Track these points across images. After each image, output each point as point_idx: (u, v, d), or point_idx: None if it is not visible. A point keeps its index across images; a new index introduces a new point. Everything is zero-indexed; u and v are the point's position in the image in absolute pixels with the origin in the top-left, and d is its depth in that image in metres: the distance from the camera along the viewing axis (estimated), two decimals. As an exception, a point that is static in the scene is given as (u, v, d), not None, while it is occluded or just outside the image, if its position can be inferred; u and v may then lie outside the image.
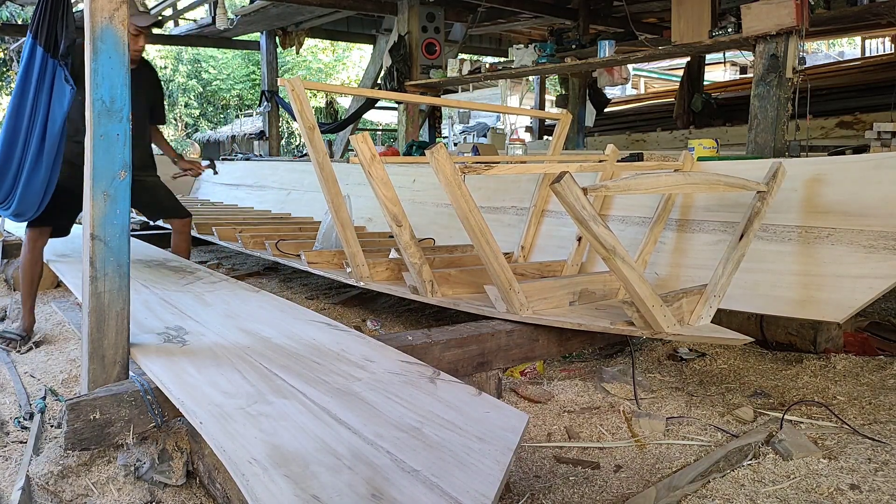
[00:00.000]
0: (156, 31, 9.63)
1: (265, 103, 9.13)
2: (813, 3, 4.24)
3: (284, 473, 1.39)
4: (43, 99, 2.67)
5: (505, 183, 3.95)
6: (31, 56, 2.64)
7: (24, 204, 2.86)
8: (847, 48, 16.48)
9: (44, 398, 2.45)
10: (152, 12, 8.35)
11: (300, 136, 15.96)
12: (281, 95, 8.90)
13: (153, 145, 3.84)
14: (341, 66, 20.19)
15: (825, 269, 2.45)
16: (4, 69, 13.23)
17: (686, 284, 2.72)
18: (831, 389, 2.62)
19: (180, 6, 8.44)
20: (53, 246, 3.38)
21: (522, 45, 6.02)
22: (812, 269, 2.47)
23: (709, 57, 8.39)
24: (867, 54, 11.42)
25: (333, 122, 9.28)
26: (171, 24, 9.57)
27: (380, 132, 13.42)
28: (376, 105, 10.77)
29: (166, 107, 4.04)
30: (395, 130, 8.67)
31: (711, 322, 2.46)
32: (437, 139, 7.35)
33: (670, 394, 2.64)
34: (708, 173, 2.73)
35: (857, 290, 2.36)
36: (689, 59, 7.62)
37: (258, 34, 9.17)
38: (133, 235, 3.01)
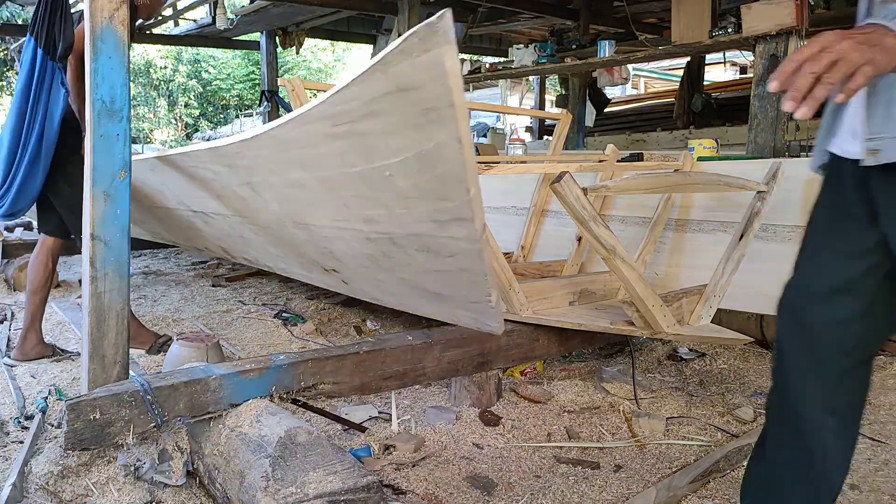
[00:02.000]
0: (156, 31, 9.65)
1: (265, 103, 9.13)
2: (813, 3, 4.25)
3: None
4: (42, 100, 2.67)
5: (505, 183, 3.95)
6: (33, 56, 2.64)
7: (19, 203, 2.86)
8: (847, 48, 16.44)
9: (45, 398, 2.45)
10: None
11: (300, 136, 15.92)
12: (281, 95, 8.90)
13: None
14: (341, 66, 20.19)
15: (825, 269, 2.44)
16: (4, 69, 13.24)
17: (686, 284, 2.72)
18: (831, 389, 2.62)
19: (180, 6, 8.43)
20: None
21: (522, 45, 6.02)
22: (812, 269, 2.47)
23: (709, 57, 8.38)
24: (867, 54, 11.40)
25: (333, 122, 9.28)
26: (171, 23, 9.57)
27: (380, 132, 13.41)
28: (376, 105, 10.76)
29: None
30: (395, 130, 8.65)
31: (711, 322, 2.46)
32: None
33: (670, 394, 2.64)
34: (708, 173, 2.73)
35: (857, 290, 2.36)
36: (689, 59, 7.62)
37: (258, 34, 9.17)
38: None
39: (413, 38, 0.99)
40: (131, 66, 2.00)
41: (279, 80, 2.97)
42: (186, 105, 20.06)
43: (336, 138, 1.42)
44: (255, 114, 16.66)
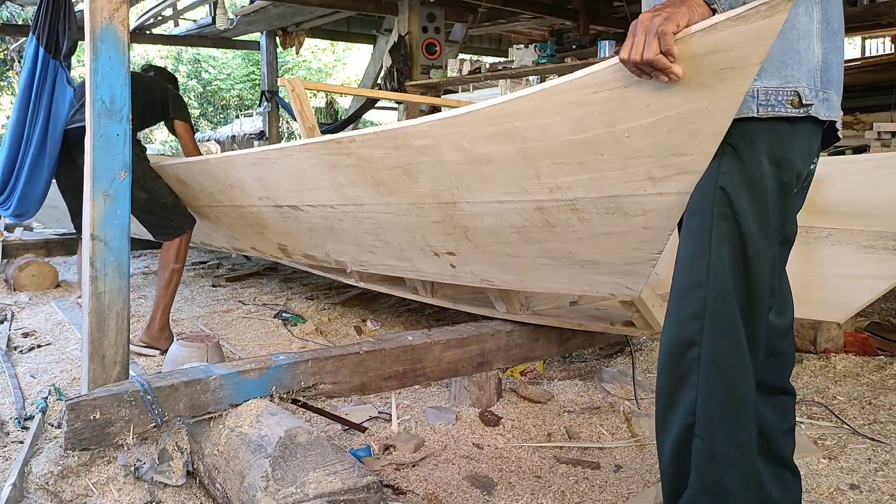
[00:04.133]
0: (156, 31, 9.65)
1: (265, 103, 9.13)
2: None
3: None
4: (44, 99, 2.67)
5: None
6: (34, 56, 2.65)
7: (24, 204, 2.87)
8: (847, 48, 16.48)
9: (45, 398, 2.45)
10: (151, 12, 8.37)
11: (300, 136, 15.93)
12: (281, 95, 8.90)
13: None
14: (341, 66, 20.19)
15: (825, 269, 2.45)
16: (4, 69, 13.23)
17: (686, 284, 2.71)
18: (831, 389, 2.62)
19: (180, 6, 8.44)
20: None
21: (522, 46, 6.02)
22: (812, 269, 2.47)
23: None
24: (867, 54, 11.42)
25: (333, 122, 9.29)
26: (171, 24, 9.57)
27: (380, 132, 13.40)
28: (376, 105, 10.79)
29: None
30: (395, 130, 8.65)
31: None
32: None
33: (670, 394, 2.64)
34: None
35: (857, 290, 2.36)
36: (689, 59, 7.60)
37: (258, 34, 9.17)
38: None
39: (759, 7, 1.11)
40: (131, 65, 2.00)
41: (279, 80, 2.97)
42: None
43: (583, 105, 1.45)
44: (255, 114, 16.65)
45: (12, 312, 3.79)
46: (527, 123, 1.59)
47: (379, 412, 2.43)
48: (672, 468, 1.40)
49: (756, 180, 1.31)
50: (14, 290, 4.29)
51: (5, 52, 12.40)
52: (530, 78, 9.91)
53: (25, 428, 2.25)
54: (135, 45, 14.23)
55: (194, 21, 9.12)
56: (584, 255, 1.79)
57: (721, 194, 1.31)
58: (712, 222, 1.32)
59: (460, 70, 6.24)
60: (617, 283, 1.82)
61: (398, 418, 2.36)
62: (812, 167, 1.43)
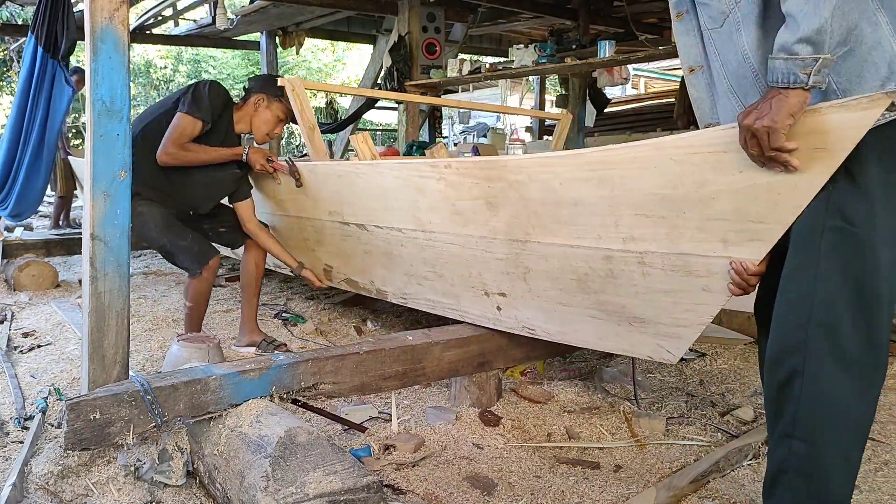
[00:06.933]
0: (156, 31, 9.66)
1: (265, 103, 9.08)
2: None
3: None
4: (42, 99, 2.67)
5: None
6: (33, 55, 2.65)
7: (22, 204, 2.88)
8: None
9: (45, 398, 2.45)
10: (151, 12, 8.37)
11: (300, 136, 15.94)
12: (281, 95, 8.86)
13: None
14: (341, 66, 20.18)
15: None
16: (4, 69, 13.24)
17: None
18: (831, 389, 2.62)
19: (180, 6, 8.43)
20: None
21: (522, 46, 6.01)
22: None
23: (709, 57, 8.35)
24: None
25: (333, 122, 9.28)
26: (171, 23, 9.57)
27: (380, 132, 13.42)
28: (376, 105, 10.79)
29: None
30: (395, 130, 8.66)
31: (711, 322, 2.46)
32: (437, 139, 7.35)
33: (670, 394, 2.64)
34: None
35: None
36: (689, 59, 7.59)
37: (258, 34, 9.16)
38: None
39: (861, 99, 1.24)
40: (131, 65, 2.00)
41: (279, 80, 2.96)
42: (186, 105, 20.00)
43: (682, 163, 1.54)
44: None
45: (12, 312, 3.79)
46: (623, 172, 1.66)
47: (379, 412, 2.43)
48: (770, 462, 1.47)
49: (863, 186, 1.34)
50: (14, 290, 4.29)
51: (5, 52, 12.40)
52: (530, 78, 9.90)
53: (25, 428, 2.25)
54: (135, 45, 14.23)
55: (194, 21, 9.11)
56: (635, 311, 1.81)
57: (830, 207, 1.35)
58: (821, 235, 1.36)
59: (460, 70, 6.23)
60: (658, 346, 1.85)
61: (398, 418, 2.36)
62: None
